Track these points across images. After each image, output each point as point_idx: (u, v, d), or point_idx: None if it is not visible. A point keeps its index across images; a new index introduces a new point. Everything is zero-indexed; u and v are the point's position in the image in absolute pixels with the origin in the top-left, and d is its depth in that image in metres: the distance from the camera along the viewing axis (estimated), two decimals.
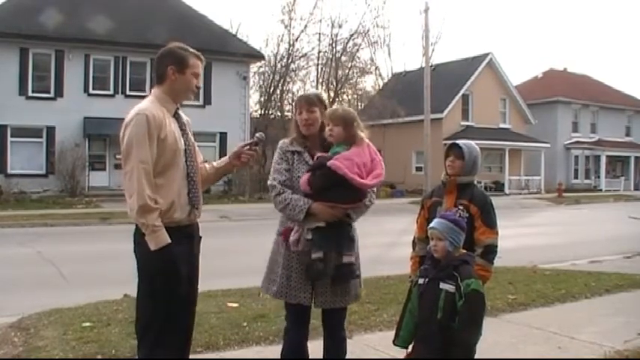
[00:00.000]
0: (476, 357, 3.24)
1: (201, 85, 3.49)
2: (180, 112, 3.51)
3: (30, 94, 24.22)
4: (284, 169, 3.55)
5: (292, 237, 3.42)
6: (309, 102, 3.59)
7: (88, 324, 5.39)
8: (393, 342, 3.42)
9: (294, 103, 3.83)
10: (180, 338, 3.39)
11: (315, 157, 3.51)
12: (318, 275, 3.38)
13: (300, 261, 3.48)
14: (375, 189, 3.61)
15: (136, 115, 3.19)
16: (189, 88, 3.41)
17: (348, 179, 3.31)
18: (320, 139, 3.59)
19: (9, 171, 23.68)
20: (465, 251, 3.31)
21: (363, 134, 3.53)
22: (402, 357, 3.42)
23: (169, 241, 3.13)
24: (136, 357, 3.41)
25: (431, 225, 3.34)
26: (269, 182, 3.58)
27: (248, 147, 3.57)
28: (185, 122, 3.47)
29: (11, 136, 24.03)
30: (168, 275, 3.16)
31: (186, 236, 3.33)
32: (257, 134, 3.65)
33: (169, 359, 3.28)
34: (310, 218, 3.39)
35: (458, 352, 3.05)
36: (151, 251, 3.12)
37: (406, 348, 3.37)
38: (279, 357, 3.67)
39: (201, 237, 3.55)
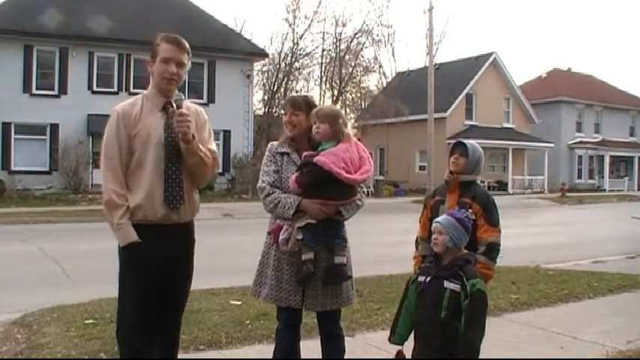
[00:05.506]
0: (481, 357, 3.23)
1: (175, 70, 3.23)
2: (184, 104, 3.26)
3: (34, 91, 24.28)
4: (272, 171, 3.54)
5: (282, 236, 3.40)
6: (294, 105, 3.60)
7: (90, 321, 5.40)
8: (389, 339, 3.40)
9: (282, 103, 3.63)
10: (162, 337, 3.34)
11: (303, 156, 3.51)
12: (308, 277, 3.36)
13: (290, 262, 3.45)
14: (364, 189, 3.61)
15: (110, 113, 3.24)
16: (159, 75, 3.26)
17: (335, 174, 3.30)
18: (308, 141, 3.59)
19: (12, 168, 23.74)
20: (467, 251, 3.30)
21: (348, 131, 3.55)
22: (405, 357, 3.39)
23: (135, 238, 3.10)
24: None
25: (436, 219, 3.35)
26: (258, 185, 3.55)
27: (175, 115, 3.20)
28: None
29: (15, 134, 24.07)
30: (134, 273, 3.15)
31: (160, 235, 3.19)
32: (175, 97, 3.27)
33: (149, 359, 3.22)
34: (300, 215, 3.38)
35: (463, 353, 3.04)
36: (121, 248, 3.16)
37: (401, 345, 3.34)
38: (271, 357, 3.66)
39: (194, 239, 3.43)
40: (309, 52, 39.10)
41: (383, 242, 12.05)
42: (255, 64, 31.21)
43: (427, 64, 31.77)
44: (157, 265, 3.18)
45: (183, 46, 3.28)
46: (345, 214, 3.50)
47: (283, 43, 37.75)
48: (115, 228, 3.13)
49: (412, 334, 3.33)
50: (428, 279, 3.23)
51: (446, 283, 3.14)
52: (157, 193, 3.18)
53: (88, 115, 24.19)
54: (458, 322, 3.11)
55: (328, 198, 3.40)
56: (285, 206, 3.39)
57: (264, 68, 37.39)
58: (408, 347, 3.33)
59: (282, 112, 3.70)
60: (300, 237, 3.36)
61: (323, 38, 39.35)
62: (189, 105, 3.45)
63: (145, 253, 3.12)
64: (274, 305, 3.65)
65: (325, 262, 3.43)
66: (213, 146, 3.43)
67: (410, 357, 3.30)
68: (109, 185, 3.13)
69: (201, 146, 3.26)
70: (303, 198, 3.39)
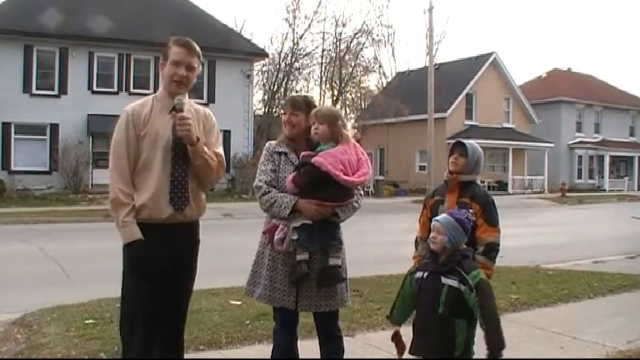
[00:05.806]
0: (477, 357, 3.24)
1: (184, 73, 3.26)
2: (189, 106, 3.31)
3: (34, 91, 24.28)
4: (270, 170, 3.53)
5: (277, 235, 3.39)
6: (294, 105, 3.60)
7: (90, 321, 5.41)
8: (387, 316, 3.49)
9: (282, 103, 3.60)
10: (163, 337, 3.34)
11: (301, 156, 3.50)
12: (301, 278, 3.36)
13: (285, 262, 3.44)
14: (361, 191, 3.61)
15: (121, 113, 3.30)
16: (169, 78, 3.28)
17: (332, 175, 3.29)
18: (306, 141, 3.58)
19: (12, 168, 23.73)
20: (465, 246, 3.30)
21: (347, 132, 3.54)
22: (405, 357, 3.40)
23: (139, 236, 3.14)
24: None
25: (435, 218, 3.35)
26: (255, 184, 3.53)
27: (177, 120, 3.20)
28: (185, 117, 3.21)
29: (15, 134, 24.05)
30: (137, 272, 3.18)
31: (164, 235, 3.22)
32: (175, 102, 3.26)
33: (150, 359, 3.23)
34: (296, 215, 3.37)
35: (496, 347, 3.02)
36: (124, 245, 3.19)
37: (399, 325, 3.37)
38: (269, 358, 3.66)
39: (198, 239, 3.47)
40: (309, 52, 39.15)
41: (383, 242, 12.07)
42: (255, 64, 31.21)
43: (427, 64, 31.77)
44: (160, 264, 3.20)
45: (194, 50, 3.31)
46: (342, 216, 3.50)
47: (283, 43, 37.81)
48: (119, 226, 3.17)
49: (412, 332, 3.34)
50: (425, 275, 3.24)
51: (443, 279, 3.15)
52: (162, 193, 3.22)
53: (88, 115, 24.21)
54: (456, 318, 3.13)
55: (325, 199, 3.39)
56: (281, 206, 3.39)
57: (264, 68, 37.44)
58: (408, 343, 3.33)
59: (282, 111, 3.70)
60: (295, 237, 3.35)
61: (323, 38, 39.41)
62: (199, 108, 3.46)
63: (149, 252, 3.14)
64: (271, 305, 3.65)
65: (320, 264, 3.42)
66: (220, 150, 3.43)
67: (408, 350, 3.30)
68: (116, 184, 3.18)
69: (206, 149, 3.27)
70: (300, 198, 3.38)
